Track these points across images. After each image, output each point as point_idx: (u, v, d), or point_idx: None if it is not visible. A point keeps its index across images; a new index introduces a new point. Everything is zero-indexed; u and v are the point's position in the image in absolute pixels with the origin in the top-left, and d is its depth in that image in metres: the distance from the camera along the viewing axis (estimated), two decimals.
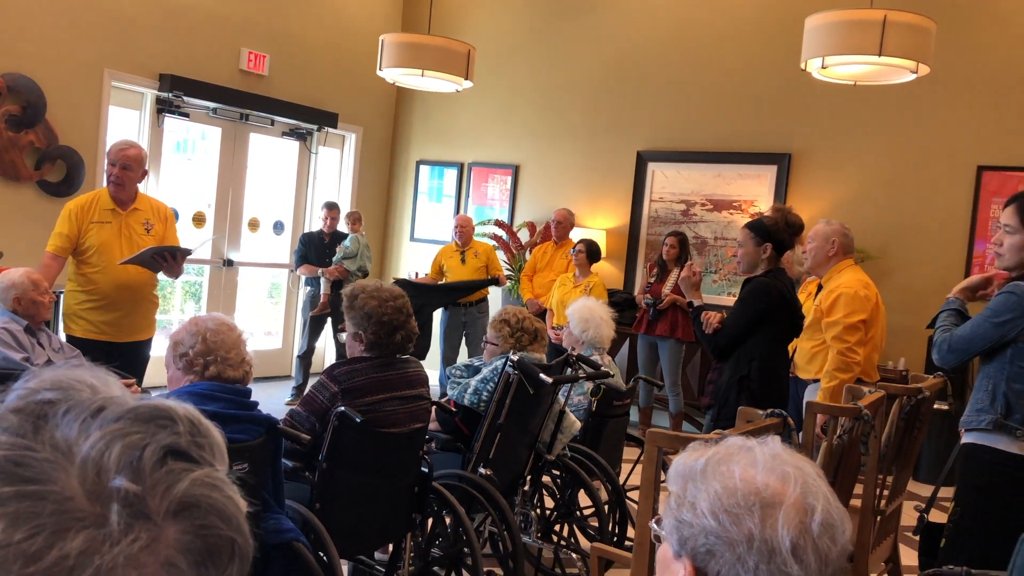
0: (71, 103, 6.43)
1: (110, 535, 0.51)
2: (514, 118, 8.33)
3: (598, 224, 7.82)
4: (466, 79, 5.89)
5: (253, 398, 2.49)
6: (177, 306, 7.83)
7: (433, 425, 3.57)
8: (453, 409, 3.50)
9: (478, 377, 3.56)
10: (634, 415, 6.97)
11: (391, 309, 2.93)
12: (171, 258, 4.25)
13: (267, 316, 8.49)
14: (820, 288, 4.14)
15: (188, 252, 4.38)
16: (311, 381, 5.80)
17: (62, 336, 4.44)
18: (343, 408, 2.77)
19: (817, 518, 1.03)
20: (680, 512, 1.08)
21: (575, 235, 7.22)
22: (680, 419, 6.58)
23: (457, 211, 8.60)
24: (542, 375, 3.27)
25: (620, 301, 7.20)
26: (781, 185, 6.99)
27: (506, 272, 7.79)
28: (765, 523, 1.01)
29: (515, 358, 3.35)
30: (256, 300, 8.53)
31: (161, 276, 4.42)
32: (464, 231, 7.27)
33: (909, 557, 4.05)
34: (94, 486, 0.52)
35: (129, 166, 4.27)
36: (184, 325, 2.51)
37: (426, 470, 3.10)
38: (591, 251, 6.54)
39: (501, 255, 7.86)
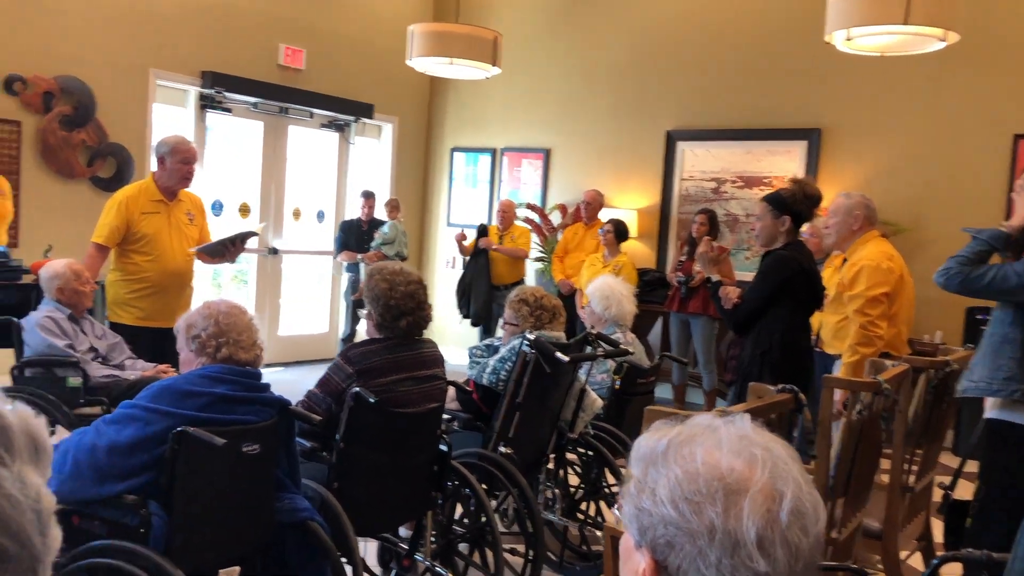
0: (119, 102, 6.47)
1: None
2: (544, 102, 8.21)
3: (629, 204, 7.68)
4: (493, 65, 5.79)
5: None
6: (227, 293, 7.87)
7: (455, 405, 3.50)
8: (471, 389, 3.42)
9: (496, 357, 3.48)
10: (668, 392, 6.84)
11: (400, 294, 2.86)
12: (240, 243, 4.34)
13: (313, 302, 8.53)
14: (845, 262, 3.96)
15: (254, 234, 4.49)
16: None
17: (107, 323, 4.49)
18: (358, 389, 2.71)
19: (787, 506, 0.90)
20: (640, 499, 0.96)
21: (606, 215, 7.08)
22: (714, 396, 6.44)
23: (491, 196, 8.52)
24: (558, 354, 3.18)
25: (652, 280, 7.06)
26: (812, 160, 6.77)
27: (538, 254, 7.69)
28: (728, 512, 0.89)
29: (531, 337, 3.26)
30: (301, 287, 8.57)
31: (200, 266, 4.44)
32: (506, 215, 7.19)
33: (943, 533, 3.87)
34: None
35: (195, 161, 4.40)
36: (197, 309, 2.48)
37: (445, 448, 3.03)
38: (619, 230, 6.41)
39: (534, 238, 7.75)
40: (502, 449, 3.25)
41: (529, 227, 7.77)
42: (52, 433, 3.68)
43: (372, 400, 2.68)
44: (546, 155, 8.23)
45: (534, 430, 3.44)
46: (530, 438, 3.41)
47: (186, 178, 4.38)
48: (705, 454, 0.94)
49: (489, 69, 5.79)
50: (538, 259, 7.61)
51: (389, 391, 2.79)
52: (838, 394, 3.11)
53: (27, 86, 5.91)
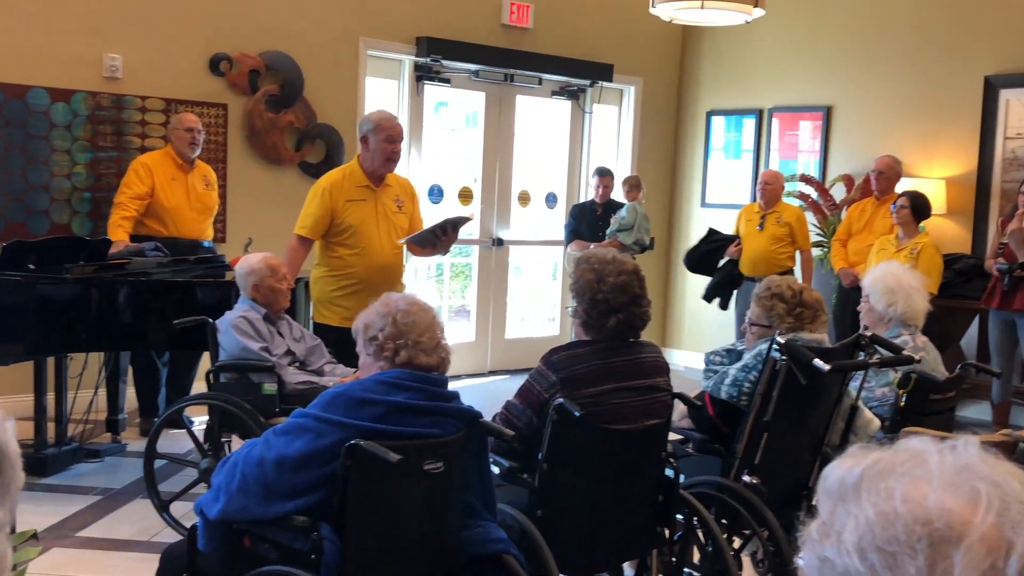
0: (328, 78, 6.94)
1: None
2: (822, 49, 7.86)
3: (935, 173, 7.15)
4: (756, 7, 5.62)
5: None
6: (446, 289, 8.22)
7: (687, 422, 3.45)
8: (700, 403, 3.33)
9: (738, 365, 3.38)
10: (986, 413, 6.30)
11: (610, 287, 2.83)
12: (452, 231, 4.52)
13: (545, 299, 8.70)
14: None
15: (466, 219, 4.70)
16: None
17: (310, 324, 4.83)
18: (562, 400, 2.73)
19: (1017, 562, 0.79)
20: (823, 546, 0.88)
21: (903, 188, 6.63)
22: None
23: (756, 167, 8.27)
24: (817, 361, 3.02)
25: (964, 268, 6.53)
26: None
27: (817, 238, 7.35)
28: (935, 568, 0.80)
29: (782, 340, 3.12)
30: (532, 282, 8.75)
31: (416, 260, 4.66)
32: (770, 190, 6.94)
33: None
34: None
35: (401, 140, 4.61)
36: (374, 306, 2.58)
37: (672, 475, 2.98)
38: (916, 205, 5.98)
39: (811, 218, 7.42)
40: (746, 479, 3.17)
41: (803, 204, 7.44)
42: (228, 443, 4.02)
43: (578, 413, 2.68)
44: (826, 114, 7.88)
45: (788, 456, 3.32)
46: (783, 466, 3.30)
47: (390, 159, 4.59)
48: (908, 490, 0.85)
49: (751, 11, 5.66)
50: (815, 244, 7.27)
51: (599, 403, 2.79)
52: None
53: (233, 65, 6.50)
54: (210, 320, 4.25)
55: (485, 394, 7.03)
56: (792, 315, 3.43)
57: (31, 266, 4.67)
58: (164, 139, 6.01)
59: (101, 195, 5.96)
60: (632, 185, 7.49)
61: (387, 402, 2.37)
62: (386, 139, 4.52)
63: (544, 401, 2.79)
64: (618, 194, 7.60)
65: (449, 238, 4.57)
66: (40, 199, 5.80)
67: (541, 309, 8.72)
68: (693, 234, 8.73)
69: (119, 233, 5.41)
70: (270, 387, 3.99)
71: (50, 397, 4.92)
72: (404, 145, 7.03)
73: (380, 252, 4.53)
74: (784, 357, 3.12)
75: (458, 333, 7.96)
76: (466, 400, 2.60)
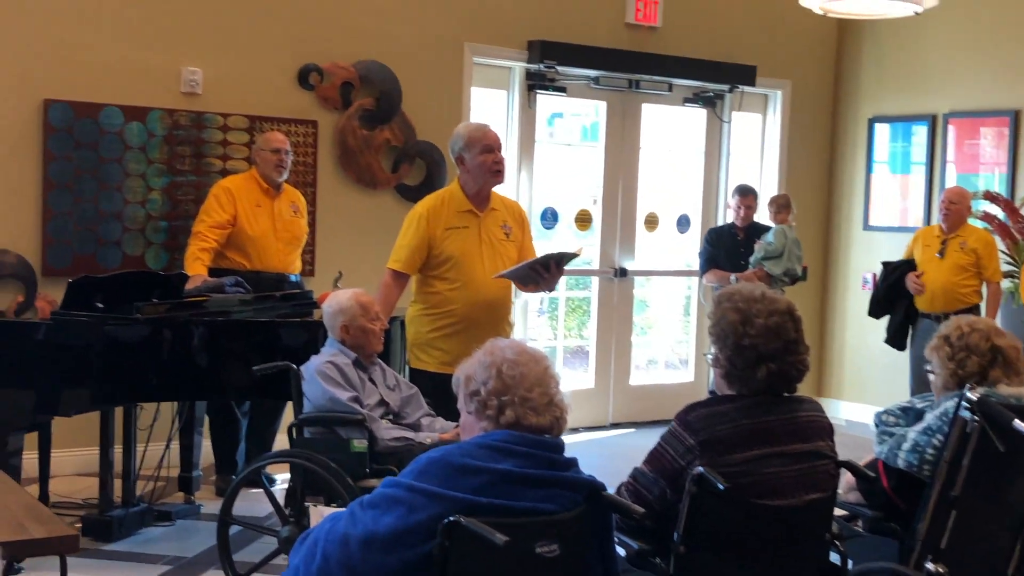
0: (429, 89, 6.98)
1: None
2: (1008, 43, 7.63)
3: None
4: None
5: None
6: (561, 327, 8.14)
7: (855, 496, 3.34)
8: (872, 473, 3.16)
9: (919, 427, 3.28)
10: None
11: (759, 330, 2.73)
12: (555, 267, 4.45)
13: (676, 339, 8.57)
14: None
15: (573, 255, 4.61)
16: None
17: (406, 370, 4.79)
18: (701, 469, 2.63)
19: None
20: None
21: None
22: None
23: (929, 183, 8.04)
24: (1018, 423, 2.88)
25: None
26: None
27: (1006, 268, 7.01)
28: None
29: (973, 397, 2.95)
30: (661, 318, 8.64)
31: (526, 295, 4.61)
32: (955, 210, 6.70)
33: None
34: None
35: (500, 148, 4.60)
36: (477, 355, 2.51)
37: (838, 560, 2.88)
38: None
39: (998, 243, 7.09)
40: (930, 566, 3.03)
41: (989, 227, 7.12)
42: (305, 512, 3.96)
43: (721, 486, 2.59)
44: (1013, 119, 7.64)
45: (981, 539, 3.20)
46: (975, 550, 3.18)
47: (495, 172, 4.54)
48: None
49: (922, 1, 5.56)
50: (1005, 274, 6.94)
51: (748, 473, 2.69)
52: None
53: (324, 77, 6.58)
54: (294, 366, 4.26)
55: (606, 452, 6.95)
56: (954, 361, 3.33)
57: (99, 305, 4.75)
58: (248, 161, 6.13)
59: (178, 224, 6.08)
60: (780, 205, 7.31)
61: (491, 470, 2.28)
62: (483, 150, 4.50)
63: (680, 470, 2.71)
64: (762, 216, 7.47)
65: (553, 275, 4.49)
66: (112, 229, 5.95)
67: (672, 351, 8.60)
68: (854, 262, 8.54)
69: (197, 267, 5.48)
70: (360, 444, 3.98)
71: (117, 451, 4.98)
72: (512, 164, 7.19)
73: (484, 286, 4.49)
74: (977, 418, 3.02)
75: (575, 379, 7.91)
76: (584, 459, 2.51)
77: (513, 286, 4.71)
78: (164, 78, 6.08)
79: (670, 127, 8.31)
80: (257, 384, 4.65)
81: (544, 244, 7.62)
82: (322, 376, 4.09)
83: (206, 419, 5.65)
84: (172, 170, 6.09)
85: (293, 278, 5.87)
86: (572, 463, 2.44)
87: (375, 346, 4.27)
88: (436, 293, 4.53)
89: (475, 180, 4.54)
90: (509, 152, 7.04)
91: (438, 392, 4.21)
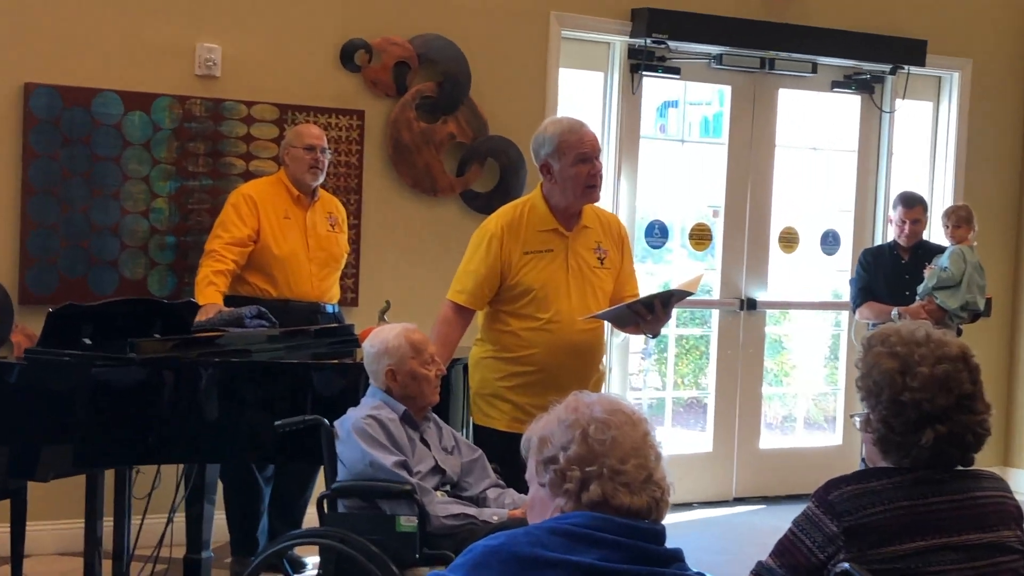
0: (504, 71, 6.97)
1: None
2: None
3: None
4: None
5: None
6: (671, 373, 8.08)
7: None
8: None
9: None
10: None
11: (924, 380, 2.68)
12: (660, 307, 4.41)
13: (821, 391, 8.48)
14: None
15: (687, 294, 4.61)
16: None
17: (469, 428, 4.75)
18: (847, 566, 2.60)
19: None
20: None
21: None
22: None
23: None
24: None
25: None
26: None
27: None
28: None
29: None
30: (800, 364, 8.57)
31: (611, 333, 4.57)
32: None
33: None
34: None
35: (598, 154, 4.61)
36: (556, 410, 2.48)
37: None
38: None
39: None
40: None
41: None
42: None
43: None
44: None
45: None
46: None
47: (590, 186, 4.52)
48: None
49: None
50: None
51: (909, 570, 2.65)
52: None
53: (373, 56, 6.59)
54: (326, 421, 4.25)
55: (728, 534, 6.90)
56: None
57: (86, 340, 4.75)
58: (276, 161, 6.16)
59: (189, 240, 6.14)
60: (959, 219, 7.17)
61: (567, 564, 2.23)
62: (578, 159, 4.46)
63: (818, 566, 2.69)
64: (934, 233, 7.35)
65: (659, 317, 4.49)
66: (107, 246, 6.02)
67: (815, 405, 8.55)
68: None
69: (210, 293, 5.51)
70: (408, 523, 3.95)
71: (107, 525, 4.98)
72: (610, 166, 7.18)
73: (571, 326, 4.48)
74: None
75: (688, 441, 7.91)
76: (699, 543, 2.48)
77: (608, 324, 4.68)
78: (174, 57, 6.14)
79: (814, 119, 8.26)
80: (282, 443, 4.65)
81: (650, 269, 7.59)
82: (361, 435, 4.07)
83: (219, 486, 5.62)
84: (182, 172, 6.15)
85: (329, 309, 5.90)
86: (675, 557, 2.37)
87: (430, 397, 4.26)
88: (510, 333, 4.54)
89: (564, 194, 4.53)
90: (607, 151, 7.04)
91: (509, 457, 4.03)
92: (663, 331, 7.35)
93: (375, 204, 6.65)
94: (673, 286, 4.98)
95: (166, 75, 6.11)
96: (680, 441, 7.97)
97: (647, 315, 4.42)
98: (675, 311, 6.80)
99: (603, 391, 4.73)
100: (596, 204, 4.78)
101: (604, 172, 4.86)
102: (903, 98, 8.29)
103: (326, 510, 4.15)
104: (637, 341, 7.57)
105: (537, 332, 4.48)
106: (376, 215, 6.64)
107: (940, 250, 7.16)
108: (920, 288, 7.05)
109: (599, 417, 2.39)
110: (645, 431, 2.42)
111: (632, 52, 7.39)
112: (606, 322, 4.70)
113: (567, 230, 4.56)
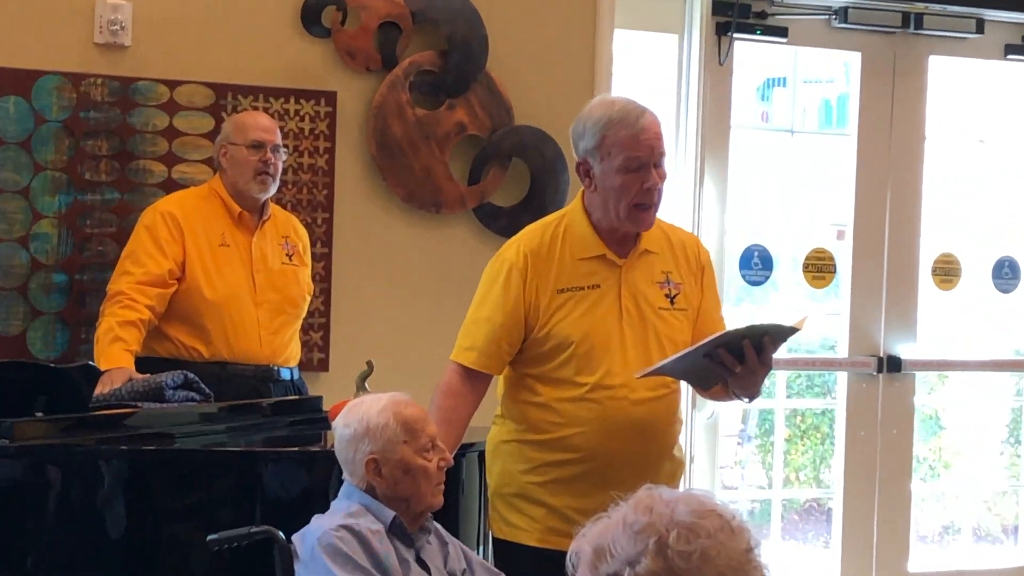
0: (534, 35, 6.99)
1: None
2: None
3: None
4: None
5: None
6: (778, 463, 7.99)
7: None
8: None
9: None
10: None
11: None
12: (752, 352, 4.28)
13: (999, 491, 8.53)
14: None
15: (791, 331, 4.48)
16: None
17: (487, 543, 4.70)
18: None
19: None
20: None
21: None
22: None
23: None
24: None
25: None
26: None
27: None
28: None
29: None
30: (967, 449, 8.62)
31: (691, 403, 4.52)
32: None
33: None
34: None
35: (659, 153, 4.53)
36: (619, 512, 2.39)
37: None
38: None
39: None
40: None
41: None
42: None
43: None
44: None
45: None
46: None
47: (639, 203, 4.39)
48: None
49: None
50: None
51: None
52: None
53: (348, 15, 6.58)
54: (280, 535, 4.19)
55: None
56: None
57: None
58: (209, 165, 6.16)
59: (86, 279, 6.15)
60: None
61: None
62: (627, 164, 4.34)
63: None
64: None
65: (753, 367, 4.30)
66: None
67: (989, 509, 8.55)
68: None
69: (116, 352, 5.51)
70: None
71: None
72: (689, 168, 7.14)
73: (627, 394, 4.41)
74: None
75: (806, 558, 7.93)
76: None
77: (686, 387, 4.59)
78: (65, 19, 6.15)
79: (980, 98, 8.29)
80: (219, 568, 4.64)
81: (747, 313, 7.52)
82: (331, 553, 3.98)
83: None
84: (77, 182, 6.17)
85: (286, 374, 5.91)
86: None
87: (429, 499, 4.18)
88: (540, 406, 4.49)
89: (607, 206, 4.42)
90: (684, 147, 7.06)
91: None
92: (767, 403, 7.44)
93: (352, 225, 6.64)
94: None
95: (53, 44, 6.13)
96: (795, 559, 8.00)
97: (735, 365, 4.26)
98: (784, 377, 6.77)
99: (681, 488, 4.66)
100: (664, 221, 4.70)
101: (682, 175, 4.80)
102: None
103: None
104: (731, 418, 7.54)
105: (579, 404, 4.41)
106: (353, 241, 6.64)
107: None
108: None
109: (683, 521, 2.34)
110: (748, 543, 2.36)
111: (718, 6, 7.40)
112: (682, 388, 4.61)
113: (620, 257, 4.46)
